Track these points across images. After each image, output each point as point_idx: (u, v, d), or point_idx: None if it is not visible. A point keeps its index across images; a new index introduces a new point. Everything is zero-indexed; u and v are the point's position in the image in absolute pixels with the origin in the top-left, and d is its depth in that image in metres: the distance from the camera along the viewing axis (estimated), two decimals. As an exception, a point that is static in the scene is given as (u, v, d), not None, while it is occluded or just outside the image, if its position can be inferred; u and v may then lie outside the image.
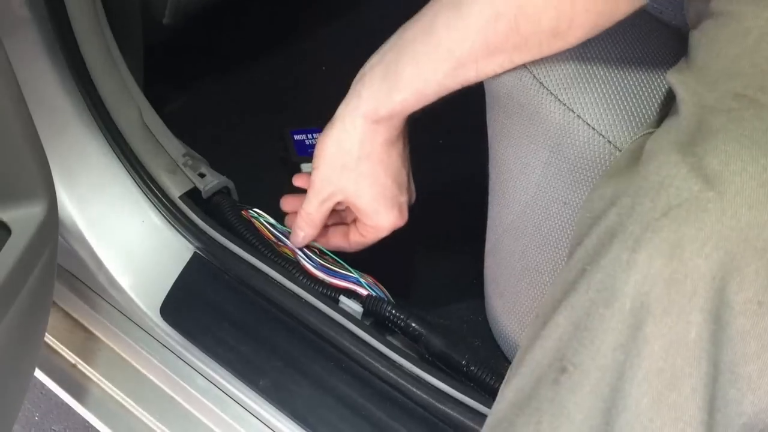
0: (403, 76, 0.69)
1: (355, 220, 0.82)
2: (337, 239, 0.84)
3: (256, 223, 0.90)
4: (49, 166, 0.68)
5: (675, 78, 0.55)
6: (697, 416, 0.45)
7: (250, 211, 0.91)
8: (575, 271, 0.50)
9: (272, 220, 0.91)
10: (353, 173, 0.75)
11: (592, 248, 0.49)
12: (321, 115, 1.08)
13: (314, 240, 0.84)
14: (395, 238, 0.99)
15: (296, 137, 1.09)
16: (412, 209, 1.02)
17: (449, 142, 1.15)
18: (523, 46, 0.64)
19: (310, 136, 1.09)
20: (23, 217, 0.66)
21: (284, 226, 0.91)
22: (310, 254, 0.87)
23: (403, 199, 0.79)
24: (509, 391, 0.52)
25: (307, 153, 1.08)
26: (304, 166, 1.06)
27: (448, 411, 0.75)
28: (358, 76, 0.74)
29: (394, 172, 0.76)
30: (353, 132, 0.73)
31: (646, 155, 0.50)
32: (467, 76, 0.67)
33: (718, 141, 0.47)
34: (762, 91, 0.49)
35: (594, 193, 0.53)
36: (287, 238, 0.89)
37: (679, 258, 0.45)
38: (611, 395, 0.47)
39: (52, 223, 0.69)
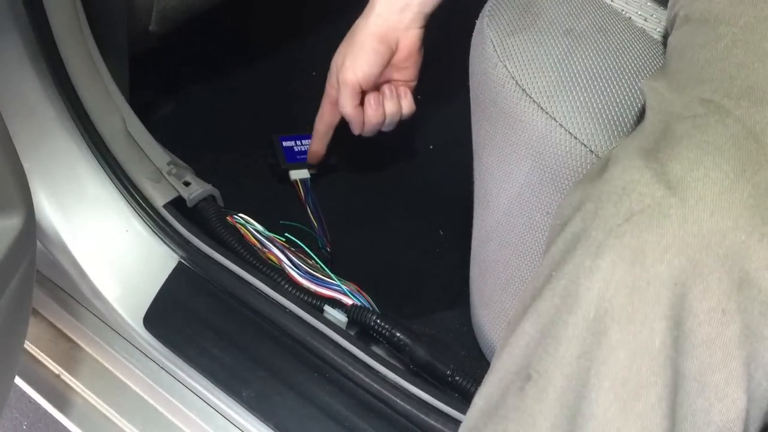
0: None
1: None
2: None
3: (242, 230, 0.90)
4: (25, 177, 0.67)
5: (647, 85, 0.55)
6: (663, 425, 0.45)
7: (235, 216, 0.90)
8: (543, 278, 0.49)
9: (258, 226, 0.90)
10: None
11: (559, 254, 0.49)
12: (310, 122, 1.08)
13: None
14: (381, 244, 0.98)
15: (285, 144, 1.07)
16: (400, 214, 1.01)
17: (438, 149, 1.14)
18: None
19: (299, 142, 1.08)
20: (-1, 229, 0.65)
21: (270, 231, 0.90)
22: (296, 261, 0.86)
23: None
24: (480, 399, 0.52)
25: (296, 159, 1.07)
26: (293, 173, 1.05)
27: (432, 422, 0.75)
28: None
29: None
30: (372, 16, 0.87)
31: (611, 161, 0.49)
32: None
33: (682, 147, 0.47)
34: (728, 96, 0.49)
35: (564, 200, 0.52)
36: (273, 244, 0.88)
37: (641, 264, 0.45)
38: (577, 403, 0.46)
39: (29, 234, 0.68)
